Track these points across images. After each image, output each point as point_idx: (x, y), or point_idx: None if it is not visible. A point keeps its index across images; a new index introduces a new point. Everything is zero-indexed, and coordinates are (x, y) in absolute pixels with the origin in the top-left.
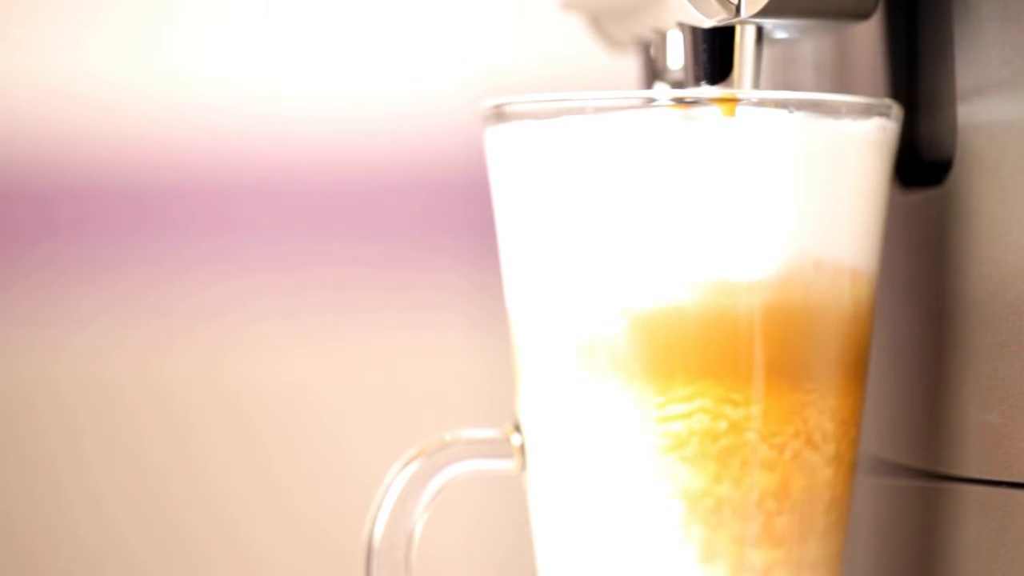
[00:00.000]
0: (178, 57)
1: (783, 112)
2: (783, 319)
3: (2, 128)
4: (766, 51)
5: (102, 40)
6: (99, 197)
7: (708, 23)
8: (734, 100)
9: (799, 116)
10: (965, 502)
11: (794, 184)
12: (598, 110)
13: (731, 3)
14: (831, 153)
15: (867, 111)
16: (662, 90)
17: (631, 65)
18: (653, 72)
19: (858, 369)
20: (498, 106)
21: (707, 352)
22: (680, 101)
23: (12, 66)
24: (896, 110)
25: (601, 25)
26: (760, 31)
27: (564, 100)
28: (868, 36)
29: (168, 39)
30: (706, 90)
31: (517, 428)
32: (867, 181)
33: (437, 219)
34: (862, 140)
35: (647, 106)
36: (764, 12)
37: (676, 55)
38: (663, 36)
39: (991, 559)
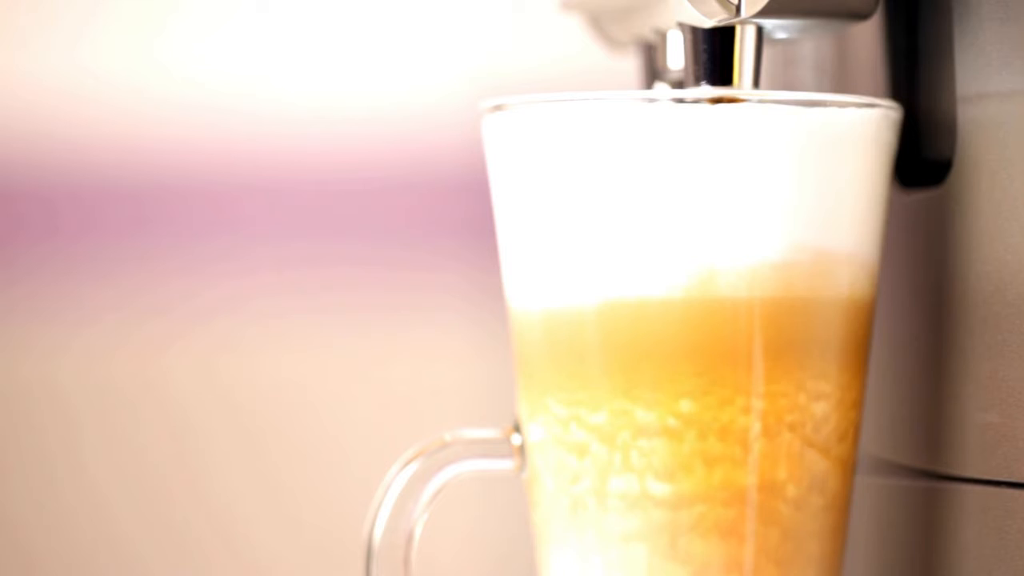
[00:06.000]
0: (178, 57)
1: (782, 106)
2: (781, 308)
3: (2, 128)
4: (766, 51)
5: (102, 40)
6: (99, 197)
7: (708, 23)
8: (734, 100)
9: (797, 109)
10: (965, 502)
11: (791, 173)
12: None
13: (731, 3)
14: (829, 142)
15: (867, 109)
16: (662, 90)
17: (631, 65)
18: (653, 72)
19: (858, 362)
20: (497, 106)
21: (705, 342)
22: (680, 101)
23: (12, 66)
24: (896, 109)
25: (601, 25)
26: (760, 31)
27: (563, 101)
28: (868, 36)
29: (168, 39)
30: (706, 90)
31: (517, 428)
32: (866, 173)
33: (437, 219)
34: (861, 131)
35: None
36: (764, 12)
37: (676, 55)
38: (663, 36)
39: (991, 559)
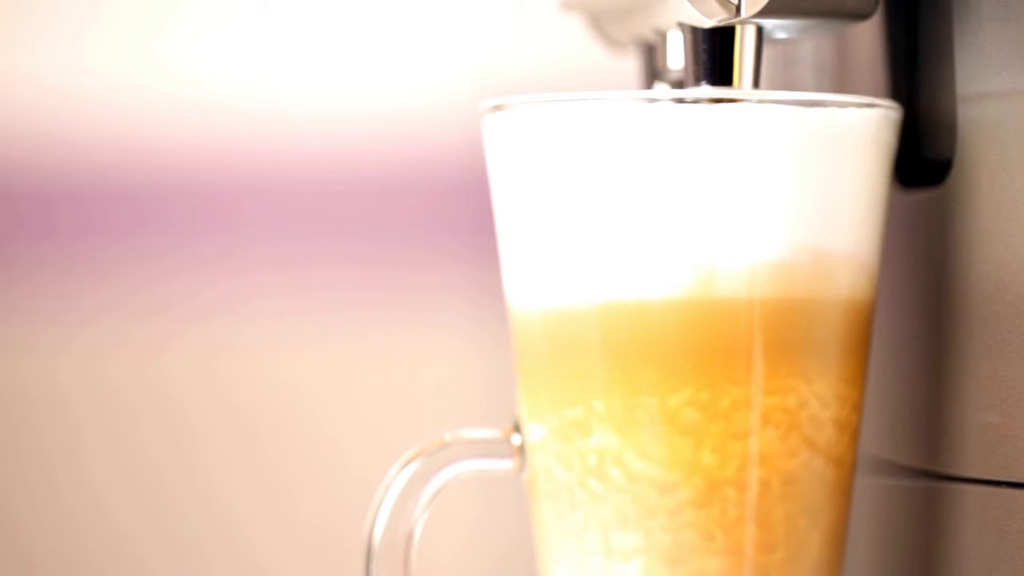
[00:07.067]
0: (178, 57)
1: (782, 106)
2: (781, 309)
3: (2, 128)
4: (766, 51)
5: (102, 40)
6: (98, 197)
7: (708, 23)
8: (734, 100)
9: (797, 109)
10: (965, 502)
11: (791, 173)
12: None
13: (731, 3)
14: (829, 142)
15: (867, 109)
16: (662, 90)
17: (631, 65)
18: (653, 72)
19: (858, 362)
20: (497, 106)
21: (705, 343)
22: (680, 101)
23: (12, 66)
24: (896, 109)
25: (601, 25)
26: (760, 31)
27: (563, 100)
28: (868, 36)
29: (168, 39)
30: (706, 90)
31: (517, 428)
32: (866, 173)
33: (437, 219)
34: (861, 131)
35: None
36: (764, 12)
37: (676, 55)
38: (663, 36)
39: (991, 559)
